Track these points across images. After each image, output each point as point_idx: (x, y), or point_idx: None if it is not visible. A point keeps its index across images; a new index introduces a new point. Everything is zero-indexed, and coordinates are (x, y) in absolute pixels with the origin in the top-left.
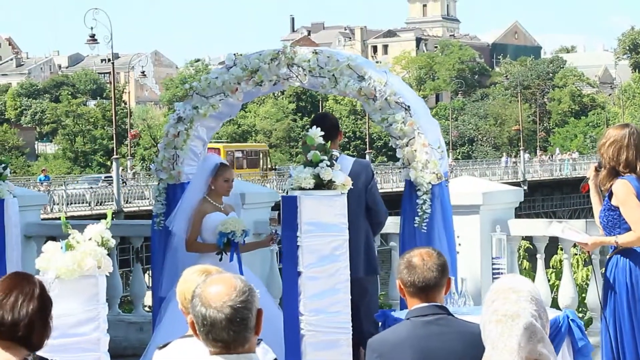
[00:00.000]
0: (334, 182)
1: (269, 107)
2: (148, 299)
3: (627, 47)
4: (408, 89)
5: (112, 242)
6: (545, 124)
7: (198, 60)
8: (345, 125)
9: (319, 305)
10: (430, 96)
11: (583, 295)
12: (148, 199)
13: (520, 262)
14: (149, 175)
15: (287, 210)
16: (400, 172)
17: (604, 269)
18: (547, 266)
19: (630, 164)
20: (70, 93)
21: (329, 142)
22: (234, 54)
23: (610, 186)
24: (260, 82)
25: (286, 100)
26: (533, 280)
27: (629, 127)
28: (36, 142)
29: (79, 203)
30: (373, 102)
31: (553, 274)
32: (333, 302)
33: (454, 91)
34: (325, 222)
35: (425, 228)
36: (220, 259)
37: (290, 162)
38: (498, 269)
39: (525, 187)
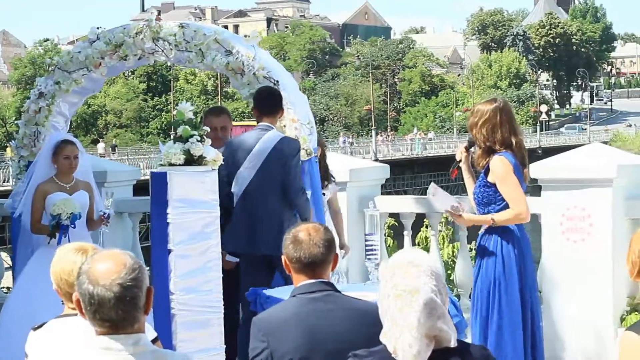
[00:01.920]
0: (205, 157)
1: (120, 87)
2: (7, 280)
3: (476, 28)
4: (277, 64)
5: None
6: (395, 104)
7: (47, 40)
8: (197, 105)
9: (190, 284)
10: None
11: (449, 272)
12: None
13: (385, 240)
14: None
15: (156, 187)
16: None
17: (474, 243)
18: (412, 243)
19: (505, 141)
20: None
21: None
22: (97, 28)
23: (486, 163)
24: (125, 56)
25: (137, 80)
26: None
27: (497, 101)
28: None
29: None
30: (241, 77)
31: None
32: (204, 280)
33: (305, 71)
34: (196, 198)
35: None
36: (49, 242)
37: (141, 142)
38: (371, 245)
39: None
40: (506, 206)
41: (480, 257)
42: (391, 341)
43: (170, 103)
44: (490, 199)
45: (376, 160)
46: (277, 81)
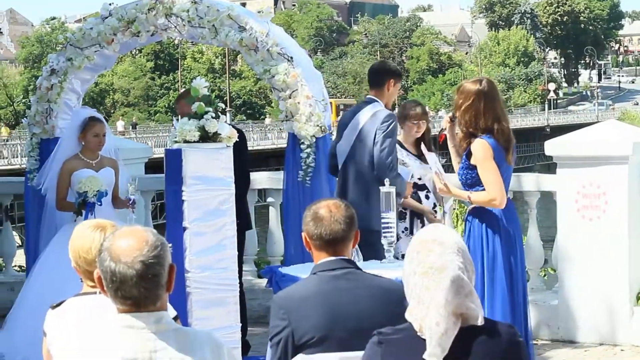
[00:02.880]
0: (220, 134)
1: (127, 66)
2: (19, 258)
3: (483, 6)
4: (290, 40)
5: None
6: (403, 82)
7: (54, 19)
8: None
9: (206, 262)
10: None
11: None
12: (7, 158)
13: None
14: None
15: (171, 164)
16: (260, 130)
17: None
18: None
19: (487, 128)
20: None
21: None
22: (110, 4)
23: (467, 146)
24: (138, 32)
25: (144, 59)
26: None
27: (481, 84)
28: None
29: None
30: (254, 53)
31: None
32: (220, 258)
33: (312, 49)
34: (211, 175)
35: (310, 182)
36: (75, 220)
37: (149, 121)
38: (387, 223)
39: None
40: None
41: (467, 239)
42: (417, 319)
43: (178, 81)
44: (474, 180)
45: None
46: (292, 57)
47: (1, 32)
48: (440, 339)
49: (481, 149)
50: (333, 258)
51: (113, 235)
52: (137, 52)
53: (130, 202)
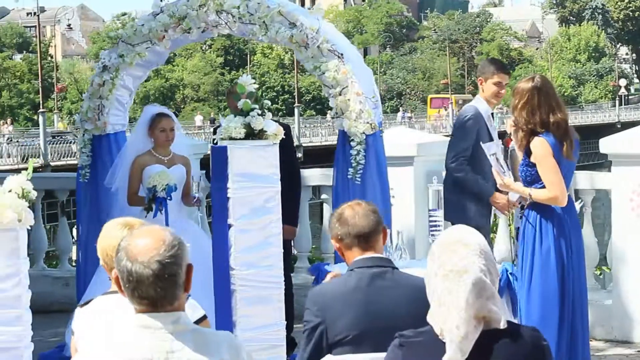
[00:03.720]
0: (266, 131)
1: (197, 61)
2: (74, 254)
3: (554, 2)
4: (341, 36)
5: (34, 194)
6: (473, 78)
7: (125, 14)
8: (274, 79)
9: (251, 259)
10: (359, 50)
11: None
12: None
13: None
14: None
15: (216, 162)
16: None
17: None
18: None
19: (544, 124)
20: None
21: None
22: (161, 0)
23: (528, 143)
24: (188, 29)
25: (214, 54)
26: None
27: (534, 80)
28: None
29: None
30: (305, 50)
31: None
32: (265, 255)
33: (382, 45)
34: (256, 173)
35: (359, 179)
36: (146, 215)
37: (218, 116)
38: (435, 221)
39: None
40: None
41: (522, 234)
42: (438, 322)
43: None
44: (534, 177)
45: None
46: (342, 54)
47: (71, 28)
48: (461, 342)
49: (540, 147)
50: (368, 255)
51: (130, 235)
52: (207, 47)
53: (195, 200)
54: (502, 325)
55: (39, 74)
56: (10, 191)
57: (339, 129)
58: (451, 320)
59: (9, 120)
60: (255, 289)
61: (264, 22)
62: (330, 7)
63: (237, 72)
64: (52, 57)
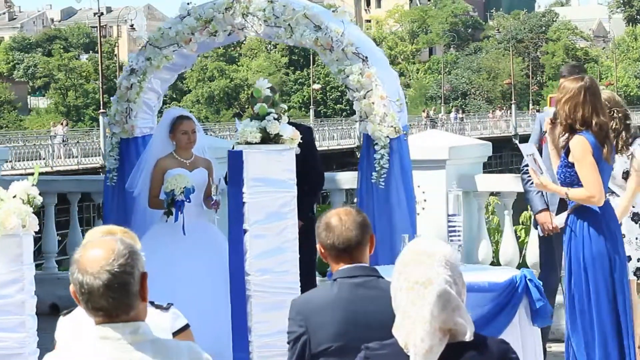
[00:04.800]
0: (282, 136)
1: (262, 61)
2: None
3: (621, 1)
4: (366, 39)
5: (39, 200)
6: (538, 78)
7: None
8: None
9: (266, 265)
10: (424, 50)
11: None
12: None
13: (489, 219)
14: None
15: (233, 166)
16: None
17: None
18: (517, 223)
19: (586, 121)
20: (62, 47)
21: None
22: (188, 3)
23: (567, 142)
24: (215, 32)
25: (279, 54)
26: (500, 237)
27: (584, 80)
28: (28, 97)
29: (66, 157)
30: (330, 53)
31: (523, 231)
32: (280, 261)
33: (447, 45)
34: (272, 177)
35: (383, 184)
36: (167, 220)
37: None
38: (454, 226)
39: (517, 141)
40: None
41: (569, 240)
42: (402, 335)
43: (311, 77)
44: (573, 179)
45: (515, 135)
46: (366, 57)
47: (134, 28)
48: (425, 355)
49: (579, 145)
50: (352, 265)
51: (83, 247)
52: (272, 47)
53: (213, 202)
54: (468, 337)
55: (100, 73)
56: (14, 196)
57: (362, 132)
58: (416, 332)
59: (64, 122)
60: (271, 294)
61: (289, 24)
62: (396, 6)
63: (302, 72)
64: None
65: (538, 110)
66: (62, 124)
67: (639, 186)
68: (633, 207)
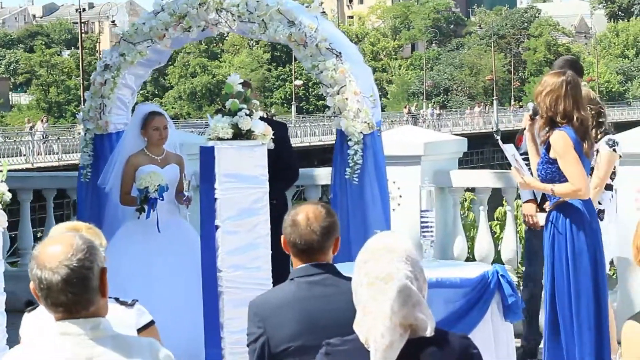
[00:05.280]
0: (254, 131)
1: (244, 57)
2: None
3: None
4: (340, 35)
5: (8, 196)
6: (520, 74)
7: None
8: None
9: (238, 261)
10: (406, 46)
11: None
12: None
13: (465, 214)
14: None
15: (204, 162)
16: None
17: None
18: (492, 218)
19: (567, 115)
20: (44, 43)
21: None
22: None
23: (547, 137)
24: (189, 27)
25: (261, 50)
26: (476, 232)
27: (565, 75)
28: (10, 93)
29: (46, 154)
30: (304, 49)
31: (498, 226)
32: (253, 257)
33: (429, 41)
34: (244, 173)
35: (357, 180)
36: (139, 217)
37: (265, 112)
38: (427, 222)
39: (499, 137)
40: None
41: (551, 236)
42: (363, 331)
43: (293, 73)
44: (555, 175)
45: (497, 131)
46: (340, 53)
47: (115, 24)
48: (385, 351)
49: (561, 140)
50: (309, 265)
51: (42, 243)
52: (254, 43)
53: (185, 198)
54: (429, 333)
55: (81, 69)
56: None
57: (336, 128)
58: (376, 328)
59: (44, 118)
60: (243, 290)
61: (263, 20)
62: (378, 2)
63: (284, 68)
64: (100, 54)
65: (521, 107)
66: (42, 120)
67: (602, 182)
68: (600, 203)
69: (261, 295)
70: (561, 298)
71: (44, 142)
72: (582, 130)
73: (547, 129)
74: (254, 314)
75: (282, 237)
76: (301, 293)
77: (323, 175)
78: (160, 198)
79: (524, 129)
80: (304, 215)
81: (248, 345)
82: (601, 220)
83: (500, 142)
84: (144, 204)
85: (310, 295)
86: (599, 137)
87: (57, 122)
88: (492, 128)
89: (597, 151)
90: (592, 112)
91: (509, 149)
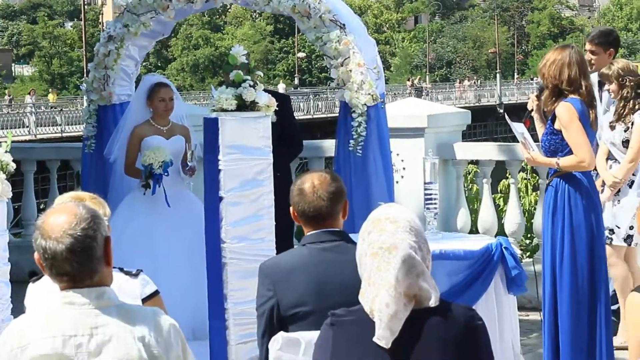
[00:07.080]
0: (257, 103)
1: (247, 29)
2: None
3: None
4: (344, 6)
5: (12, 167)
6: (523, 47)
7: None
8: None
9: (242, 232)
10: (409, 18)
11: (532, 221)
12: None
13: (469, 187)
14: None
15: (208, 133)
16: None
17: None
18: (495, 191)
19: (573, 82)
20: (47, 15)
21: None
22: None
23: (553, 108)
24: None
25: (264, 22)
26: (479, 205)
27: (570, 47)
28: (13, 64)
29: (48, 125)
30: (307, 20)
31: (502, 199)
32: (256, 228)
33: (432, 13)
34: (248, 145)
35: (361, 152)
36: (144, 192)
37: (267, 85)
38: (430, 194)
39: (502, 110)
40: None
41: (548, 205)
42: (368, 301)
43: (296, 45)
44: (557, 146)
45: (500, 104)
46: (344, 24)
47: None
48: (390, 321)
49: (566, 111)
50: (321, 231)
51: (45, 214)
52: (257, 15)
53: (188, 168)
54: (433, 303)
55: (84, 41)
56: None
57: (340, 100)
58: (380, 298)
59: (31, 92)
60: (247, 262)
61: None
62: None
63: (287, 40)
64: (103, 25)
65: (525, 80)
66: (29, 94)
67: (637, 154)
68: (633, 175)
69: (272, 258)
70: (560, 271)
71: (36, 114)
72: (589, 99)
73: (552, 99)
74: (265, 276)
75: (291, 207)
76: (313, 259)
77: (327, 147)
78: (166, 174)
79: (531, 110)
80: (310, 183)
81: (257, 308)
82: (630, 188)
83: (508, 119)
84: (149, 179)
85: (322, 261)
86: (636, 107)
87: (60, 94)
88: (495, 102)
89: (632, 123)
90: (632, 83)
91: (518, 127)
